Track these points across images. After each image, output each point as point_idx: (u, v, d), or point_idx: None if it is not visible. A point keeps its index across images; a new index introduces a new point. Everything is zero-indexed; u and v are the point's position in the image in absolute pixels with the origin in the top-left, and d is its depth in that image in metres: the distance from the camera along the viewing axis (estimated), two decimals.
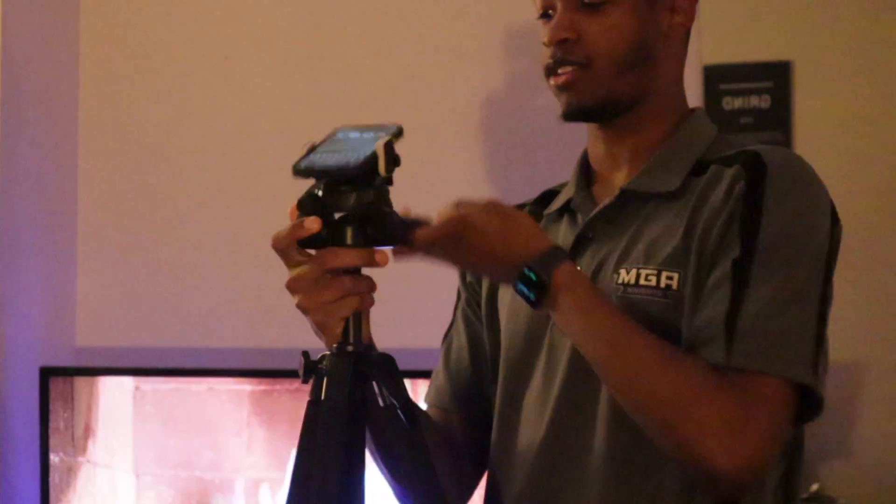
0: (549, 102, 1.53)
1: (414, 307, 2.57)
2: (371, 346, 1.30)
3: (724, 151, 1.46)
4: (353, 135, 1.24)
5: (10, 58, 2.72)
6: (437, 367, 1.65)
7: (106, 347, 2.87)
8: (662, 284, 1.37)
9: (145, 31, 2.92)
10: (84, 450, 2.68)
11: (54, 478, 2.65)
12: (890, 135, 2.67)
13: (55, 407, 2.64)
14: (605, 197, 1.50)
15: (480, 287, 1.62)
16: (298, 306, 1.28)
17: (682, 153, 1.48)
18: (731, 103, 2.70)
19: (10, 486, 2.71)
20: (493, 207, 1.34)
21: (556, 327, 1.45)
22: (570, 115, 1.48)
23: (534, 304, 1.33)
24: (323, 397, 1.20)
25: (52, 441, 2.64)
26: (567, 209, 1.55)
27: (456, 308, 1.66)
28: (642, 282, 1.39)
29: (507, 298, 1.56)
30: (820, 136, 2.64)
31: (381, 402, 1.24)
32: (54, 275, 2.87)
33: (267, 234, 1.27)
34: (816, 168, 1.43)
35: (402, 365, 1.27)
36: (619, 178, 1.51)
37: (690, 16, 1.52)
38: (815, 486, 2.57)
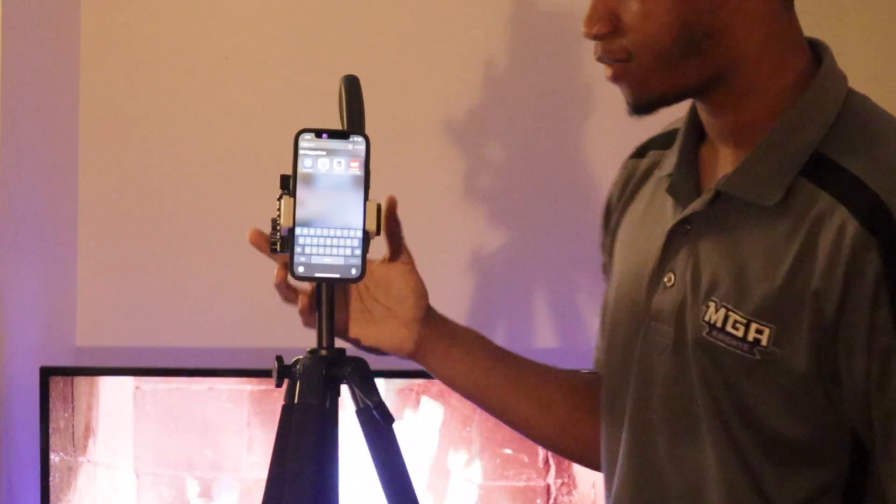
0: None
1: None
2: (343, 349, 1.29)
3: (852, 142, 1.24)
4: (324, 164, 1.32)
5: (10, 58, 2.72)
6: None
7: (106, 347, 2.87)
8: (750, 338, 1.23)
9: (145, 31, 2.91)
10: (84, 449, 2.67)
11: (54, 478, 2.64)
12: None
13: (55, 407, 2.64)
14: (711, 172, 1.33)
15: (611, 259, 1.48)
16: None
17: (791, 143, 1.26)
18: None
19: (10, 486, 2.71)
20: None
21: (648, 339, 1.34)
22: (635, 110, 1.30)
23: None
24: (296, 401, 1.22)
25: (52, 441, 2.63)
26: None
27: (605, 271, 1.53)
28: (728, 328, 1.24)
29: (614, 285, 1.44)
30: None
31: (356, 405, 1.25)
32: (54, 275, 2.87)
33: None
34: None
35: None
36: (727, 155, 1.32)
37: None
38: None
